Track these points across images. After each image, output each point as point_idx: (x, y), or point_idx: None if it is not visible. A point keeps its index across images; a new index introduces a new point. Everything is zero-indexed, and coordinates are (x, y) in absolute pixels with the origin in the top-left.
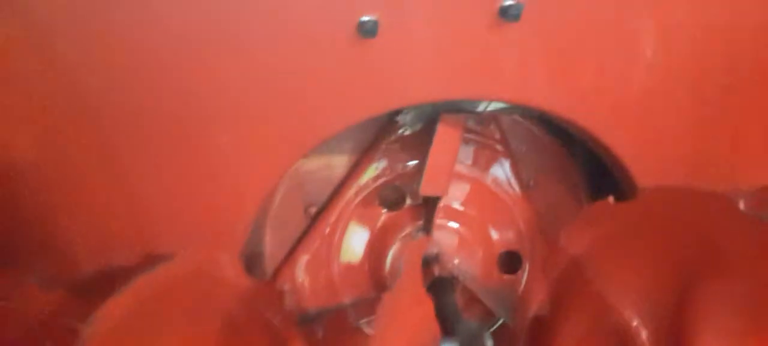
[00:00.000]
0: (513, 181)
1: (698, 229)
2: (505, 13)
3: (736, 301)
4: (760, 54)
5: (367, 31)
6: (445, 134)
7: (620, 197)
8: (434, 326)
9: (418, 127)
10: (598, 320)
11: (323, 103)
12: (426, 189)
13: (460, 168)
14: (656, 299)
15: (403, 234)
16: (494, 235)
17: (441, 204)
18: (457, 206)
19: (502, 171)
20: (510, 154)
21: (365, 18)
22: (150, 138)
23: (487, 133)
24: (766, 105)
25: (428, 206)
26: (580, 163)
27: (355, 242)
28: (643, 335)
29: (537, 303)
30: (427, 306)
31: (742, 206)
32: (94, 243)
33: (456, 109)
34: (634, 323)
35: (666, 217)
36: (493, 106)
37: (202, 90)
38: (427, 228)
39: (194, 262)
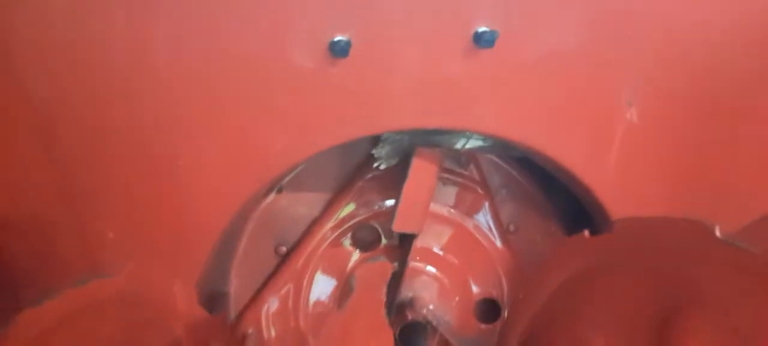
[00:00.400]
0: (493, 226)
1: (674, 259)
2: (479, 39)
3: (715, 332)
4: (739, 90)
5: (339, 50)
6: (420, 168)
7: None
8: None
9: (394, 162)
10: None
11: (291, 127)
12: (399, 225)
13: (441, 210)
14: (634, 336)
15: None
16: (473, 282)
17: (419, 245)
18: (436, 249)
19: (483, 216)
20: (490, 197)
21: (338, 37)
22: (105, 161)
23: (466, 174)
24: (745, 139)
25: (404, 247)
26: (559, 205)
27: (326, 284)
28: None
29: None
30: (387, 337)
31: (717, 233)
32: (40, 266)
33: (433, 145)
34: None
35: (641, 248)
36: (471, 143)
37: (161, 111)
38: (402, 269)
39: (136, 284)
